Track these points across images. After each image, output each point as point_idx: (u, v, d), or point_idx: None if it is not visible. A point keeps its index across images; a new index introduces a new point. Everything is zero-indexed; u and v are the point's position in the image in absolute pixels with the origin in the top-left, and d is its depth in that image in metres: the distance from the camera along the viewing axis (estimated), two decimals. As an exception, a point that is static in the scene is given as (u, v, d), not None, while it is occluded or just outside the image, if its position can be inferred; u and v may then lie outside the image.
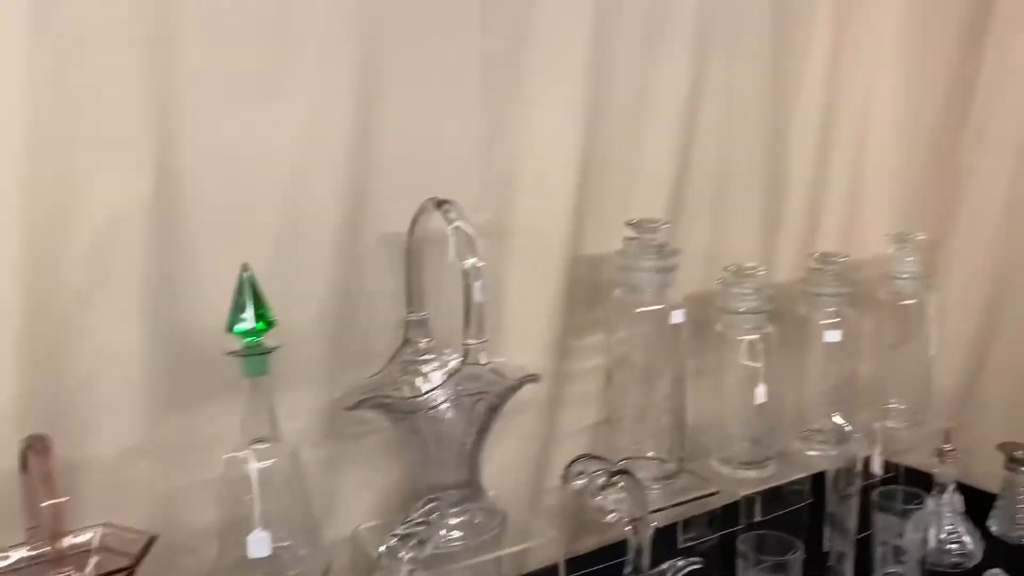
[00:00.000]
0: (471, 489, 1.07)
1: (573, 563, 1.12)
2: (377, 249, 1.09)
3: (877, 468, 1.13)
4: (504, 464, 1.20)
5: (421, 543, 0.87)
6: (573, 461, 1.01)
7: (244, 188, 0.98)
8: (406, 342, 1.08)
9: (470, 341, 0.96)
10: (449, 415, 1.01)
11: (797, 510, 1.31)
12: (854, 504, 1.13)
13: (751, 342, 1.24)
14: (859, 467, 1.11)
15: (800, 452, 1.31)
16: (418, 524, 0.87)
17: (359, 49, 1.04)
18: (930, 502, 1.27)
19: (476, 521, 1.06)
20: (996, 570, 1.17)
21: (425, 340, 1.08)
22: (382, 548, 0.87)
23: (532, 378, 1.07)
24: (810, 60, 1.47)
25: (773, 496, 1.28)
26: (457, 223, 0.95)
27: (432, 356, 1.07)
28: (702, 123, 1.34)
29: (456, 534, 1.04)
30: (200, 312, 0.96)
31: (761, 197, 1.44)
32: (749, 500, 1.35)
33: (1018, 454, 1.33)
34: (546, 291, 1.23)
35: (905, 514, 1.17)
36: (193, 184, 0.95)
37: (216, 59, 0.95)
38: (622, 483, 1.00)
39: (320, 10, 1.01)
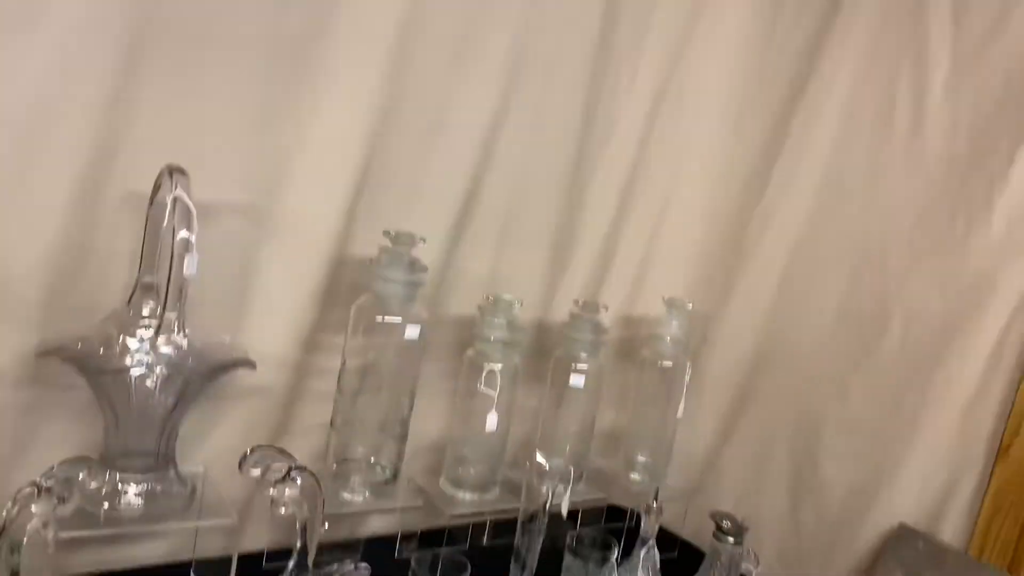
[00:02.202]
0: (161, 460, 1.07)
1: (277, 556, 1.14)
2: (121, 207, 1.08)
3: (564, 510, 1.18)
4: (227, 447, 1.20)
5: (62, 500, 0.87)
6: (252, 450, 1.02)
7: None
8: (128, 304, 1.07)
9: (170, 313, 0.97)
10: (145, 383, 1.01)
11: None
12: (537, 541, 1.17)
13: (492, 370, 1.28)
14: (548, 506, 1.15)
15: (529, 486, 1.34)
16: (58, 480, 0.87)
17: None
18: (640, 552, 1.34)
19: (159, 491, 1.06)
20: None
21: (150, 306, 1.08)
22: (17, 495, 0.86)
23: (246, 362, 1.08)
24: (627, 116, 1.51)
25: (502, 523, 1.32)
26: (178, 193, 0.95)
27: (152, 323, 1.07)
28: (500, 152, 1.37)
29: (137, 501, 1.05)
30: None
31: (552, 236, 1.49)
32: (479, 524, 1.41)
33: (724, 524, 1.41)
34: (303, 284, 1.24)
35: (595, 560, 1.21)
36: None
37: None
38: (299, 480, 1.01)
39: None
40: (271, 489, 1.00)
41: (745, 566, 1.40)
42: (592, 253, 1.54)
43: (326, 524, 1.04)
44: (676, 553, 1.56)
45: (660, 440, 1.55)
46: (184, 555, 1.21)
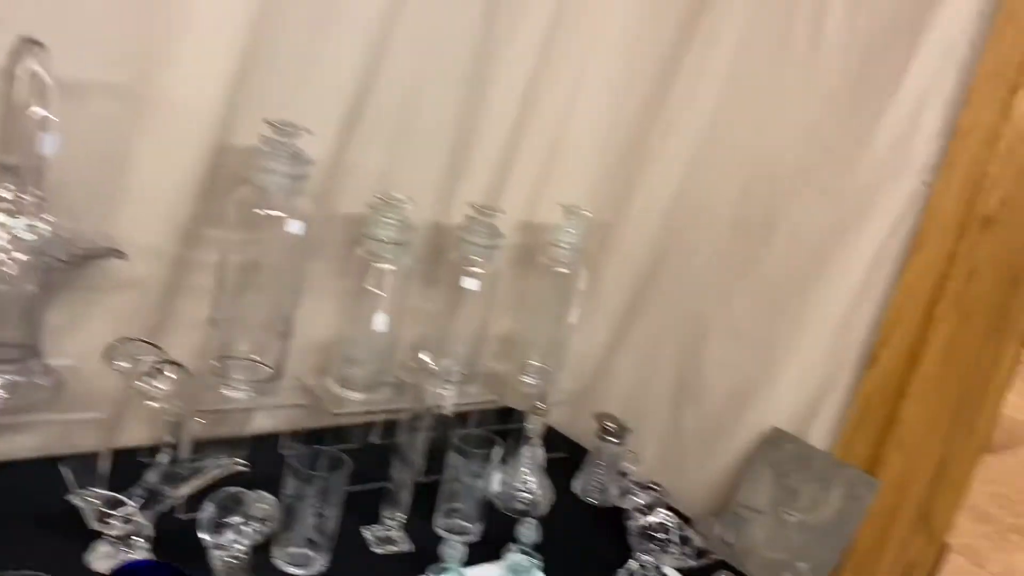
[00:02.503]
0: (25, 350, 1.03)
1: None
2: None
3: (449, 409, 1.19)
4: (102, 341, 1.15)
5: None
6: (120, 342, 0.99)
7: None
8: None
9: (29, 196, 0.91)
10: (1, 268, 0.95)
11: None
12: (421, 440, 1.18)
13: (381, 270, 1.26)
14: (432, 405, 1.16)
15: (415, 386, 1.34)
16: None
17: None
18: (524, 450, 1.37)
19: (22, 382, 1.02)
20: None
21: (9, 188, 1.01)
22: None
23: (114, 252, 1.04)
24: (529, 19, 1.47)
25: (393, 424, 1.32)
26: (35, 68, 0.88)
27: (10, 207, 1.01)
28: (396, 46, 1.32)
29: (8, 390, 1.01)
30: None
31: (450, 138, 1.45)
32: (369, 424, 1.41)
33: (608, 424, 1.45)
34: (181, 173, 1.18)
35: (477, 458, 1.23)
36: None
37: None
38: (170, 375, 0.99)
39: None
40: (141, 383, 0.98)
41: (624, 465, 1.45)
42: (491, 158, 1.51)
43: (200, 420, 1.02)
44: (566, 453, 1.61)
45: (554, 345, 1.57)
46: (57, 450, 1.18)
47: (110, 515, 0.98)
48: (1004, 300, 1.41)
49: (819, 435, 1.38)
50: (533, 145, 1.56)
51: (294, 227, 1.15)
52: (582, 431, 1.60)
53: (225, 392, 1.21)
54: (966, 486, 1.61)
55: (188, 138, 1.17)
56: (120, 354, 0.98)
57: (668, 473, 1.53)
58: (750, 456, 1.43)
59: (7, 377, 1.02)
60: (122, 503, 0.99)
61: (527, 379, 1.55)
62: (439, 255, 1.44)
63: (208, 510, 0.93)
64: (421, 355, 1.16)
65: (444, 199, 1.47)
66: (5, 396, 1.01)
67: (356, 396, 1.31)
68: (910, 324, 1.28)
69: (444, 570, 1.11)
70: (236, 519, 0.93)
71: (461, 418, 1.46)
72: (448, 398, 1.18)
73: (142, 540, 1.02)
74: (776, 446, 1.40)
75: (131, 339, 0.99)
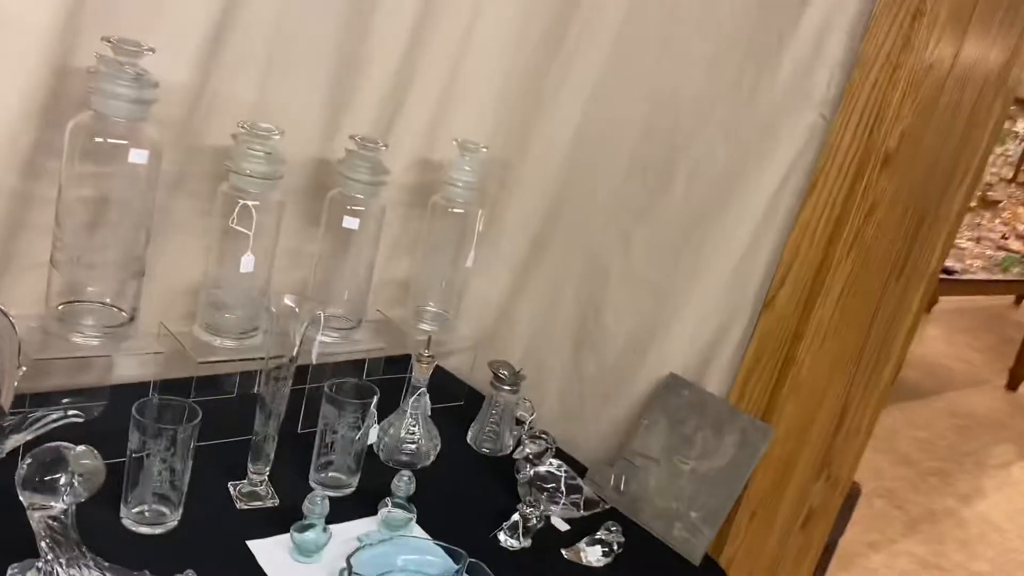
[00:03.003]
0: None
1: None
2: None
3: (314, 356, 1.11)
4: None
5: None
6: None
7: None
8: None
9: None
10: None
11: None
12: (285, 389, 1.10)
13: (246, 206, 1.16)
14: (295, 353, 1.08)
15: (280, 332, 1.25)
16: None
17: None
18: (409, 400, 1.30)
19: None
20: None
21: None
22: None
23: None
24: None
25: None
26: None
27: None
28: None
29: None
30: None
31: (332, 66, 1.34)
32: (243, 373, 1.32)
33: (501, 373, 1.39)
34: (15, 98, 1.06)
35: (351, 408, 1.16)
36: None
37: None
38: (-15, 317, 0.89)
39: None
40: (-51, 327, 0.88)
41: (520, 413, 1.39)
42: (380, 89, 1.41)
43: (22, 368, 0.93)
44: (463, 401, 1.55)
45: (451, 290, 1.50)
46: None
47: (-79, 473, 0.89)
48: (907, 240, 1.37)
49: (715, 381, 1.33)
50: (426, 77, 1.46)
51: (138, 156, 1.04)
52: (482, 379, 1.54)
53: (76, 339, 1.11)
54: (869, 432, 1.60)
55: (21, 60, 1.05)
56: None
57: (568, 422, 1.49)
58: (646, 403, 1.38)
59: None
60: (-64, 460, 0.90)
61: (423, 325, 1.48)
62: (322, 193, 1.35)
63: (25, 467, 0.84)
64: (286, 299, 1.07)
65: (327, 133, 1.38)
66: None
67: (223, 343, 1.23)
68: (807, 265, 1.22)
69: (307, 527, 1.05)
70: (56, 476, 0.84)
71: (352, 367, 1.39)
72: (314, 343, 1.10)
73: (-38, 500, 0.94)
74: (672, 392, 1.35)
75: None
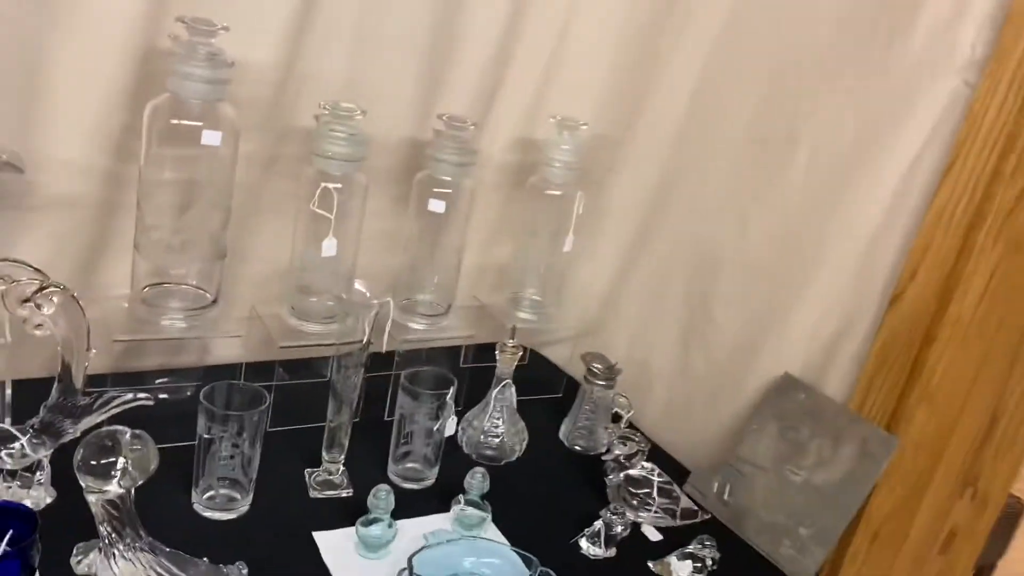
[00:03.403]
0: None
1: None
2: None
3: (384, 345, 1.07)
4: (35, 263, 1.09)
5: None
6: (-9, 260, 0.90)
7: None
8: None
9: None
10: None
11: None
12: (356, 376, 1.06)
13: (327, 189, 1.13)
14: (364, 341, 1.04)
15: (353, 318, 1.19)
16: None
17: None
18: (494, 392, 1.24)
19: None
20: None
21: None
22: None
23: (8, 167, 0.95)
24: None
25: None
26: None
27: None
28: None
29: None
30: None
31: (427, 45, 1.29)
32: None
33: (595, 366, 1.30)
34: (103, 82, 1.08)
35: (428, 399, 1.11)
36: None
37: None
38: (56, 299, 0.90)
39: None
40: (21, 308, 0.89)
41: (616, 411, 1.30)
42: (478, 65, 1.35)
43: (92, 350, 0.94)
44: (562, 394, 1.47)
45: (549, 276, 1.42)
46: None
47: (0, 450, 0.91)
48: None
49: (834, 384, 1.19)
50: (527, 51, 1.38)
51: (211, 138, 1.03)
52: (582, 372, 1.46)
53: (164, 322, 1.12)
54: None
55: (108, 43, 1.07)
56: (-9, 276, 0.89)
57: (671, 422, 1.39)
58: (757, 405, 1.25)
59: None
60: (14, 437, 0.92)
61: (519, 313, 1.42)
62: (414, 175, 1.30)
63: (80, 451, 0.85)
64: (356, 284, 1.04)
65: (420, 112, 1.33)
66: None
67: (309, 328, 1.21)
68: (942, 255, 1.06)
69: (372, 521, 1.01)
70: (110, 460, 0.84)
71: (438, 354, 1.34)
72: (385, 332, 1.05)
73: (39, 475, 0.96)
74: (786, 395, 1.22)
75: (7, 259, 0.91)
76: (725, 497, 1.21)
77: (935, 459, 1.21)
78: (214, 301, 1.15)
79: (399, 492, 1.07)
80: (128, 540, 0.87)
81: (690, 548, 1.09)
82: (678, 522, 1.16)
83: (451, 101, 1.33)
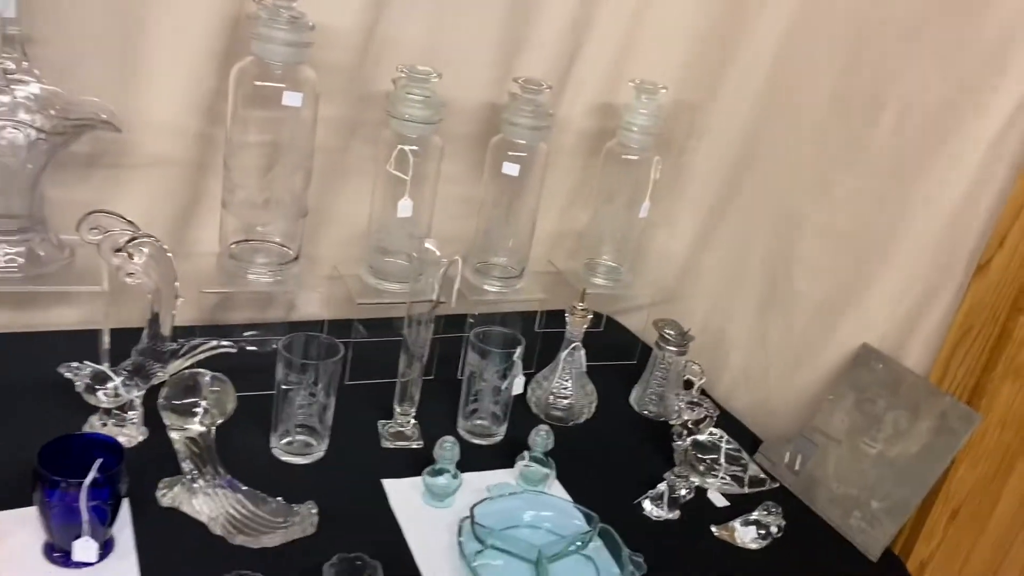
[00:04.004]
0: (30, 221, 1.04)
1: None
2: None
3: (453, 302, 1.09)
4: (133, 216, 1.17)
5: None
6: (88, 214, 0.97)
7: None
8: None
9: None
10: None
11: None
12: (426, 333, 1.09)
13: (403, 151, 1.16)
14: (434, 297, 1.06)
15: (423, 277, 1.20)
16: None
17: None
18: (563, 354, 1.25)
19: (40, 253, 1.04)
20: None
21: (13, 59, 1.00)
22: None
23: (106, 125, 1.02)
24: None
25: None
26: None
27: (9, 78, 1.00)
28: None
29: (15, 261, 1.03)
30: None
31: (505, 7, 1.30)
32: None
33: (667, 332, 1.30)
34: (197, 45, 1.14)
35: (495, 358, 1.14)
36: None
37: None
38: (146, 249, 0.96)
39: None
40: (115, 257, 0.96)
41: (689, 377, 1.29)
42: (557, 29, 1.35)
43: (180, 299, 0.99)
44: (636, 360, 1.47)
45: (626, 242, 1.42)
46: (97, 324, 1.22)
47: (96, 389, 0.98)
48: None
49: (914, 356, 1.15)
50: (608, 15, 1.37)
51: (292, 99, 1.07)
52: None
53: (250, 276, 1.18)
54: None
55: (201, 7, 1.12)
56: (88, 225, 0.95)
57: (746, 391, 1.37)
58: (836, 376, 1.22)
59: (20, 248, 1.03)
60: (109, 378, 0.99)
61: (594, 279, 1.42)
62: (489, 139, 1.32)
63: (164, 391, 0.91)
64: (427, 243, 1.06)
65: (498, 76, 1.34)
66: (21, 262, 1.03)
67: (385, 286, 1.25)
68: (1034, 221, 1.01)
69: (439, 471, 1.04)
70: (191, 400, 0.90)
71: (512, 317, 1.36)
72: (452, 290, 1.07)
73: (132, 415, 1.03)
74: (864, 366, 1.19)
75: (103, 211, 0.97)
76: (796, 467, 1.19)
77: (1023, 437, 1.15)
78: (296, 258, 1.20)
79: (467, 447, 1.09)
80: (208, 476, 0.94)
81: (755, 515, 1.08)
82: (745, 489, 1.15)
83: (529, 65, 1.34)
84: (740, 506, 1.13)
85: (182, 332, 1.06)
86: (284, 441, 1.07)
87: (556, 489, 1.10)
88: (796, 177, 1.31)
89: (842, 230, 1.24)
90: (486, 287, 1.31)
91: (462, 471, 1.06)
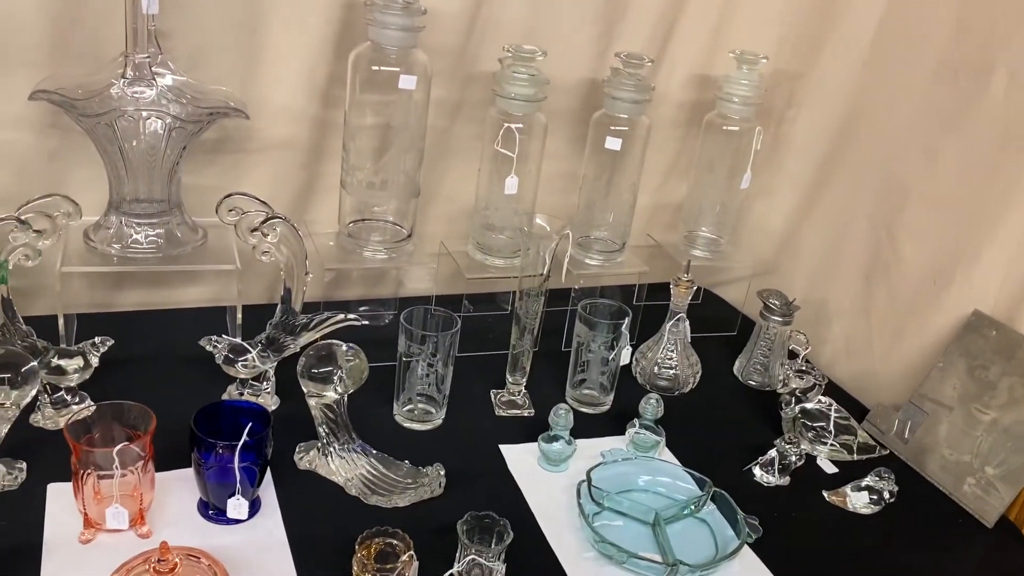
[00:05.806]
0: (168, 205, 1.11)
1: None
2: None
3: (563, 276, 1.12)
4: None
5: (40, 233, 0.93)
6: (226, 196, 1.03)
7: None
8: (127, 52, 1.07)
9: (139, 55, 0.96)
10: (117, 125, 1.02)
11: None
12: (536, 305, 1.13)
13: (509, 128, 1.20)
14: (544, 271, 1.10)
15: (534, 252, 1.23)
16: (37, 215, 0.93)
17: None
18: (667, 325, 1.28)
19: (177, 235, 1.12)
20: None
21: (146, 55, 1.07)
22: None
23: (235, 111, 1.07)
24: None
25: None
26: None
27: (152, 71, 1.07)
28: None
29: (155, 242, 1.11)
30: None
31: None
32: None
33: (771, 302, 1.31)
34: (314, 32, 1.19)
35: (604, 329, 1.17)
36: None
37: None
38: (279, 228, 1.02)
39: None
40: (252, 236, 1.02)
41: (794, 347, 1.30)
42: (655, 2, 1.36)
43: (309, 275, 1.05)
44: (736, 332, 1.48)
45: (725, 214, 1.43)
46: (218, 300, 1.30)
47: (235, 361, 1.05)
48: None
49: (1030, 321, 1.14)
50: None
51: (407, 82, 1.11)
52: (759, 310, 1.46)
53: (364, 253, 1.23)
54: None
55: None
56: (226, 206, 1.02)
57: (852, 360, 1.38)
58: (944, 343, 1.22)
59: (158, 231, 1.11)
60: (246, 350, 1.06)
61: (694, 251, 1.43)
62: (592, 114, 1.34)
63: (303, 360, 0.97)
64: (537, 218, 1.10)
65: (597, 52, 1.36)
66: (161, 243, 1.11)
67: (493, 262, 1.29)
68: None
69: (553, 438, 1.08)
70: (328, 369, 0.96)
71: (613, 290, 1.39)
72: (564, 264, 1.10)
73: (265, 384, 1.10)
74: (976, 332, 1.18)
75: (241, 193, 1.03)
76: (906, 435, 1.19)
77: None
78: (409, 236, 1.25)
79: (576, 415, 1.13)
80: (342, 441, 1.00)
81: (867, 480, 1.09)
82: (855, 456, 1.16)
83: (628, 40, 1.36)
84: (849, 473, 1.14)
85: (305, 308, 1.12)
86: (406, 408, 1.13)
87: (666, 455, 1.13)
88: (900, 144, 1.30)
89: (950, 196, 1.22)
90: (588, 261, 1.34)
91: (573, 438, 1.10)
